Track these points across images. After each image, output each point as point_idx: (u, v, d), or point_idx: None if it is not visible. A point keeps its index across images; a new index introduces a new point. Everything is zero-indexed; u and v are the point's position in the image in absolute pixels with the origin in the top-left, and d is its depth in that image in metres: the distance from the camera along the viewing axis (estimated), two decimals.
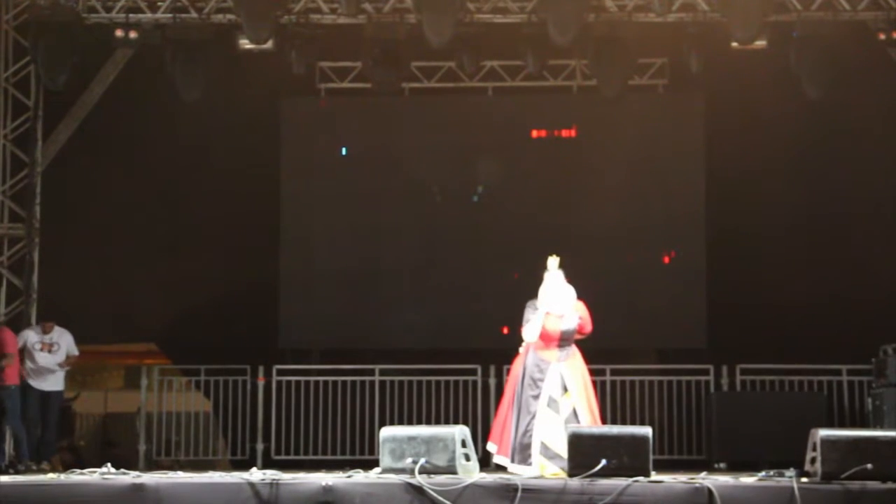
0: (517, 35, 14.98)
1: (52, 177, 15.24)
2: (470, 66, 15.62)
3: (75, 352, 14.10)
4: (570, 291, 11.17)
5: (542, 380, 10.94)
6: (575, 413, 10.86)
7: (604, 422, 11.13)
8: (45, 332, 14.02)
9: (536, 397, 10.91)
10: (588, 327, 11.14)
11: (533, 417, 10.84)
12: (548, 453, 10.70)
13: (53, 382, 13.97)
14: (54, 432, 14.05)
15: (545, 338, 11.02)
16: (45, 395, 13.91)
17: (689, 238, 16.30)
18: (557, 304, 11.06)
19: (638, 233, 16.24)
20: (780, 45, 14.52)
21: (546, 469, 10.69)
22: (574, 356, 11.11)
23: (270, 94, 16.11)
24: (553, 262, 11.25)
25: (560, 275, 11.19)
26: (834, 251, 15.71)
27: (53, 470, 12.70)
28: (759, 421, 14.65)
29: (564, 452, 10.18)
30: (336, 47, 15.50)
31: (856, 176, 15.70)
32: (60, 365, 13.92)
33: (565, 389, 10.92)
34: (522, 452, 10.84)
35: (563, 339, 11.04)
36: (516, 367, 11.17)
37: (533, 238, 15.81)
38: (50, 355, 13.90)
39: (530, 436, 10.84)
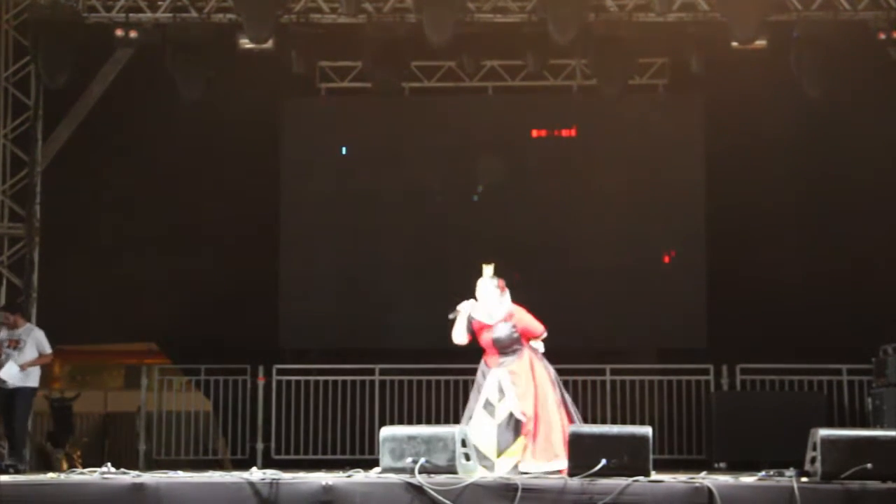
0: (517, 35, 14.94)
1: (52, 177, 15.20)
2: (470, 65, 15.62)
3: (47, 350, 13.49)
4: (504, 300, 11.05)
5: (483, 385, 10.98)
6: (511, 416, 10.79)
7: (570, 419, 10.94)
8: (12, 326, 13.50)
9: (476, 402, 10.94)
10: (535, 331, 11.06)
11: (470, 419, 10.86)
12: (479, 456, 10.50)
13: (21, 379, 13.35)
14: (25, 430, 13.61)
15: (486, 347, 11.04)
16: (12, 392, 13.32)
17: (689, 238, 16.32)
18: (484, 312, 11.01)
19: (638, 233, 16.24)
20: (780, 45, 14.49)
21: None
22: (519, 360, 10.96)
23: (270, 93, 16.11)
24: (488, 269, 11.12)
25: (492, 283, 11.06)
26: (834, 251, 15.67)
27: (54, 469, 12.61)
28: (759, 421, 14.66)
29: (494, 455, 10.54)
30: (336, 47, 15.50)
31: (856, 176, 15.66)
32: (22, 367, 13.28)
33: (502, 395, 10.86)
34: None
35: (501, 347, 10.97)
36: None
37: (533, 238, 15.93)
38: (15, 352, 13.35)
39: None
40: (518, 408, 10.78)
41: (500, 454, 10.69)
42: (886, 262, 15.38)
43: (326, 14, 14.79)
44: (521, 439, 10.73)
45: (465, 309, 11.04)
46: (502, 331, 10.97)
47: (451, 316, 11.05)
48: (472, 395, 11.08)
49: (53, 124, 15.28)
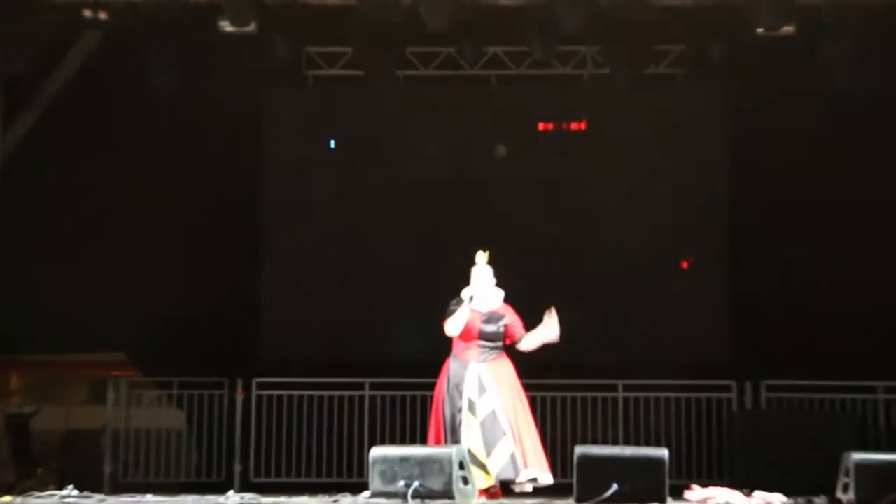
0: (522, 19, 14.41)
1: (10, 175, 14.63)
2: (471, 52, 15.24)
3: None
4: (499, 294, 11.10)
5: (462, 384, 10.81)
6: (494, 413, 10.69)
7: (542, 440, 10.95)
8: None
9: (461, 407, 10.76)
10: (517, 333, 11.02)
11: (459, 426, 10.71)
12: (474, 460, 10.49)
13: None
14: None
15: (465, 336, 10.84)
16: None
17: (709, 242, 16.19)
18: (483, 302, 10.95)
19: (653, 235, 16.00)
20: (809, 31, 13.99)
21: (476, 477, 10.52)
22: (499, 360, 10.93)
23: (253, 81, 15.83)
24: (482, 256, 11.17)
25: (489, 271, 11.10)
26: (868, 257, 15.19)
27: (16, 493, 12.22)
28: (786, 443, 14.15)
29: (483, 456, 10.49)
30: (325, 31, 14.98)
31: (892, 174, 15.18)
32: None
33: (483, 390, 10.76)
34: None
35: (484, 339, 10.88)
36: (440, 382, 10.96)
37: (538, 240, 15.78)
38: None
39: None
40: (500, 404, 10.67)
41: (489, 454, 10.61)
42: None
43: None
44: (507, 437, 10.63)
45: (469, 300, 10.86)
46: (494, 322, 10.92)
47: (453, 303, 10.86)
48: (446, 401, 10.82)
49: (11, 117, 14.72)
